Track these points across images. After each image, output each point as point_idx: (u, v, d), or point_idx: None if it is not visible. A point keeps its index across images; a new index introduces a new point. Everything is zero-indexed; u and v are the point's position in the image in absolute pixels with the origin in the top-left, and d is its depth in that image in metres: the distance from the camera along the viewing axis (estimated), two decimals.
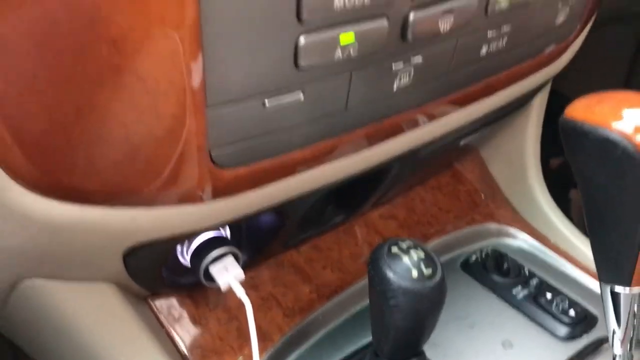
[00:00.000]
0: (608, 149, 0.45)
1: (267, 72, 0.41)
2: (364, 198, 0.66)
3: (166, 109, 0.39)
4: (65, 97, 0.35)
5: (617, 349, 0.54)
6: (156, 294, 0.60)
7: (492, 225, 0.80)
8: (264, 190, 0.47)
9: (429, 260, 0.53)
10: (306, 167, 0.49)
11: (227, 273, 0.54)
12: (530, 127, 0.81)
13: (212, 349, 0.60)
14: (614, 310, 0.52)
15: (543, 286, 0.72)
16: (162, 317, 0.60)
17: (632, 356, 0.54)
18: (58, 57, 0.34)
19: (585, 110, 0.48)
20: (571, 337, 0.67)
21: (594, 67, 1.19)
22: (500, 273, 0.74)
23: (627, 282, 0.50)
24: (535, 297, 0.70)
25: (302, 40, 0.40)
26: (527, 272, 0.74)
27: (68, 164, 0.39)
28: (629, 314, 0.52)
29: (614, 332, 0.53)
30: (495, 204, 0.82)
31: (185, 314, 0.61)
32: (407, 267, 0.52)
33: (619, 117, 0.46)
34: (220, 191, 0.44)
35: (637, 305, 0.51)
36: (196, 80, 0.38)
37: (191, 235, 0.55)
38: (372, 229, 0.73)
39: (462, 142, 0.69)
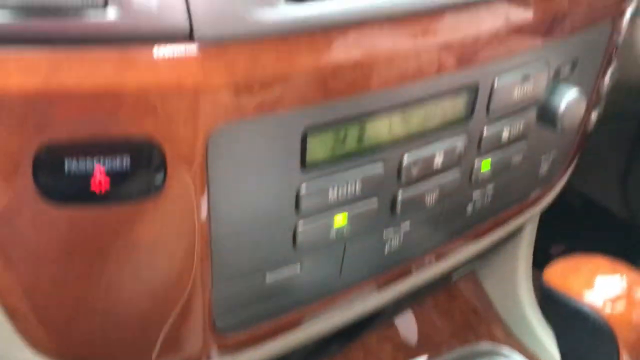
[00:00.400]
0: (581, 318, 0.49)
1: (268, 252, 0.45)
2: (360, 329, 0.70)
3: (178, 292, 0.43)
4: (87, 292, 0.40)
5: None
6: None
7: (485, 345, 0.83)
8: (264, 346, 0.51)
9: None
10: (303, 324, 0.53)
11: None
12: (522, 248, 0.85)
13: None
14: None
15: None
16: None
17: None
18: (83, 261, 0.39)
19: (562, 278, 0.52)
20: None
21: (591, 162, 1.24)
22: None
23: None
24: None
25: (300, 225, 0.45)
26: None
27: (85, 342, 0.43)
28: None
29: None
30: (488, 322, 0.85)
31: None
32: None
33: (590, 288, 0.50)
34: (222, 353, 0.48)
35: None
36: (205, 264, 0.42)
37: None
38: (369, 352, 0.76)
39: (454, 276, 0.73)
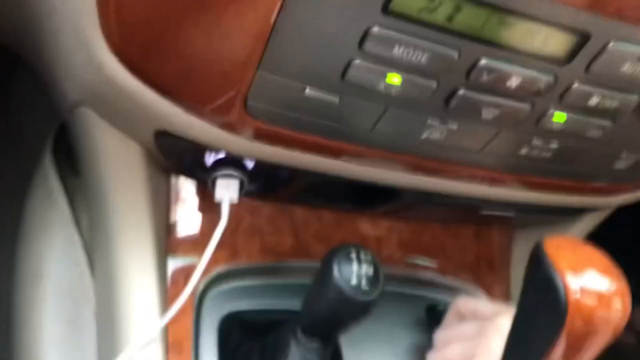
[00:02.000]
0: (550, 289, 0.50)
1: (317, 69, 0.48)
2: (373, 204, 0.73)
3: (234, 46, 0.47)
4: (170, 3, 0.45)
5: None
6: (179, 173, 0.72)
7: (479, 292, 0.85)
8: (277, 152, 0.56)
9: (373, 280, 0.60)
10: (320, 155, 0.57)
11: (226, 191, 0.64)
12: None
13: (191, 239, 0.71)
14: None
15: None
16: (171, 193, 0.72)
17: None
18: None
19: (556, 248, 0.52)
20: None
21: None
22: None
23: None
24: None
25: (355, 60, 0.47)
26: None
27: (151, 52, 0.49)
28: None
29: None
30: (495, 279, 0.86)
31: (191, 200, 0.72)
32: (350, 273, 0.59)
33: (575, 271, 0.50)
34: (240, 131, 0.54)
35: None
36: (258, 45, 0.46)
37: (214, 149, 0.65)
38: (374, 232, 0.80)
39: (482, 212, 0.73)
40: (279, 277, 0.75)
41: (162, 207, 0.70)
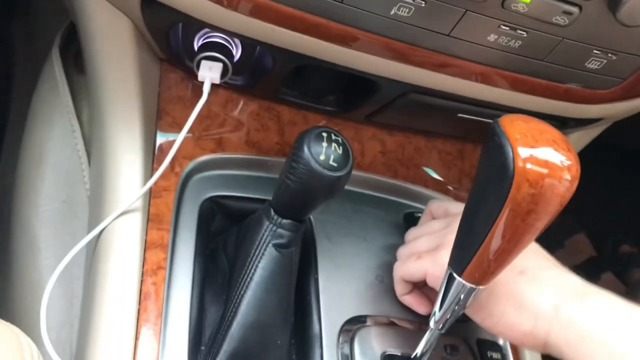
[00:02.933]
0: (499, 155, 0.52)
1: None
2: (356, 102, 0.75)
3: None
4: None
5: (432, 323, 0.63)
6: (167, 59, 0.75)
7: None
8: (263, 25, 0.59)
9: (341, 159, 0.63)
10: (303, 32, 0.60)
11: (209, 72, 0.67)
12: None
13: (179, 121, 0.75)
14: (444, 293, 0.61)
15: None
16: (162, 80, 0.76)
17: (439, 334, 0.63)
18: None
19: (512, 120, 0.54)
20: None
21: None
22: None
23: (460, 274, 0.58)
24: None
25: None
26: None
27: None
28: (453, 298, 0.60)
29: (435, 311, 0.62)
30: None
31: (180, 86, 0.76)
32: (320, 150, 0.62)
33: (527, 141, 0.52)
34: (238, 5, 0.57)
35: (462, 297, 0.59)
36: None
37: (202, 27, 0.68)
38: (358, 139, 0.83)
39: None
40: (261, 171, 0.79)
41: (152, 90, 0.74)
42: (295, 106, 0.80)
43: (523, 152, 0.51)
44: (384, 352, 0.68)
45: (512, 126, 0.53)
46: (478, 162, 0.56)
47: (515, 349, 0.76)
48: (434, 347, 0.65)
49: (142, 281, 0.65)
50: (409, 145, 0.86)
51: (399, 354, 0.68)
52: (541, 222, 0.53)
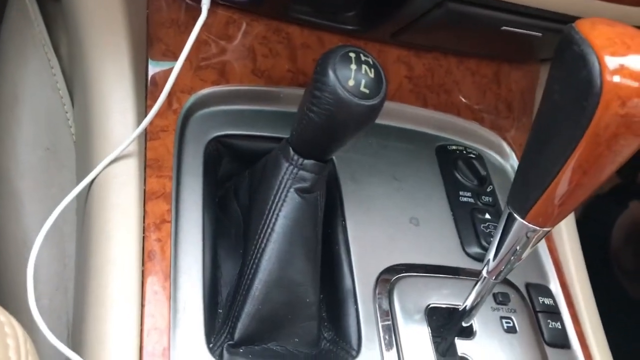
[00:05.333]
0: (578, 64, 0.42)
1: None
2: (379, 16, 0.64)
3: None
4: None
5: (485, 271, 0.54)
6: None
7: (496, 138, 0.77)
8: None
9: (374, 84, 0.52)
10: None
11: None
12: None
13: (169, 49, 0.64)
14: (501, 236, 0.52)
15: (491, 208, 0.71)
16: (150, 2, 0.64)
17: (494, 284, 0.54)
18: None
19: (592, 27, 0.43)
20: (474, 257, 0.66)
21: None
22: (464, 173, 0.72)
23: (524, 215, 0.49)
24: (475, 210, 0.69)
25: None
26: (488, 189, 0.72)
27: None
28: (514, 243, 0.51)
29: (490, 257, 0.53)
30: (515, 123, 0.78)
31: (168, 13, 0.64)
32: (348, 74, 0.51)
33: (615, 51, 0.42)
34: None
35: (524, 242, 0.50)
36: None
37: None
38: (380, 61, 0.71)
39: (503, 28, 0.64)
40: (272, 104, 0.68)
41: (139, 12, 0.62)
42: (308, 26, 0.68)
43: (612, 62, 0.40)
44: (428, 305, 0.60)
45: (594, 31, 0.42)
46: (548, 79, 0.46)
47: (567, 294, 0.68)
48: (486, 298, 0.56)
49: (144, 238, 0.55)
50: (439, 69, 0.75)
51: (445, 306, 0.60)
52: (630, 149, 0.44)
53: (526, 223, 0.49)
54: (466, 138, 0.75)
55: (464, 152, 0.74)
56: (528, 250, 0.51)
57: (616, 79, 0.40)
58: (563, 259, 0.70)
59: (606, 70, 0.40)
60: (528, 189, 0.48)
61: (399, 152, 0.71)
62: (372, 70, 0.53)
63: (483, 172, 0.72)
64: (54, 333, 0.59)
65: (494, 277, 0.54)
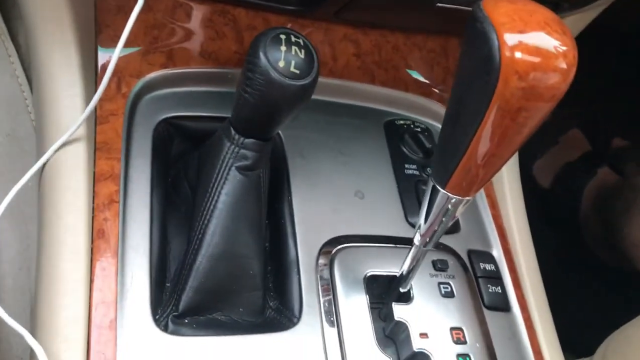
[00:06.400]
0: (481, 41, 0.44)
1: None
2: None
3: None
4: None
5: (417, 240, 0.57)
6: None
7: (443, 109, 0.79)
8: None
9: (304, 64, 0.55)
10: None
11: None
12: None
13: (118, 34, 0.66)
14: (428, 207, 0.54)
15: None
16: None
17: (425, 251, 0.57)
18: None
19: (494, 2, 0.46)
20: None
21: None
22: (410, 146, 0.75)
23: (444, 185, 0.52)
24: (419, 182, 0.72)
25: None
26: None
27: None
28: (438, 213, 0.54)
29: (419, 226, 0.56)
30: None
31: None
32: (278, 55, 0.54)
33: (513, 26, 0.44)
34: None
35: (449, 210, 0.53)
36: None
37: None
38: (328, 41, 0.74)
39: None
40: (220, 85, 0.70)
41: (86, 1, 0.64)
42: (253, 7, 0.71)
43: (510, 38, 0.43)
44: (366, 273, 0.63)
45: (496, 9, 0.44)
46: (459, 55, 0.48)
47: (510, 260, 0.71)
48: (421, 263, 0.59)
49: (93, 217, 0.58)
50: (386, 45, 0.77)
51: (383, 274, 0.63)
52: (534, 120, 0.46)
53: (448, 193, 0.52)
54: (414, 112, 0.78)
55: (412, 126, 0.76)
56: (452, 220, 0.54)
57: (513, 54, 0.42)
58: (507, 226, 0.73)
59: (504, 47, 0.43)
60: (446, 161, 0.51)
61: (347, 128, 0.74)
62: (303, 51, 0.55)
63: (429, 145, 0.74)
64: (18, 310, 0.62)
65: (424, 245, 0.57)
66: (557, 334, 0.71)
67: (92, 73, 0.65)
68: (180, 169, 0.68)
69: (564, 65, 0.43)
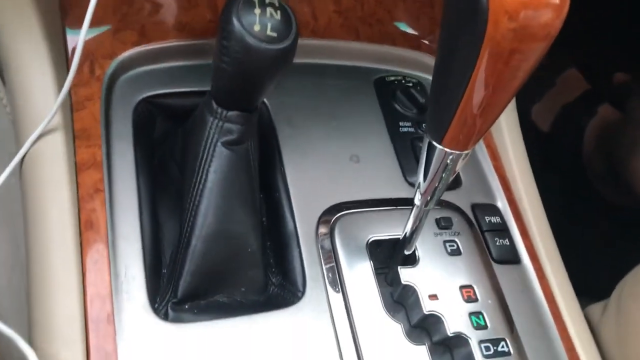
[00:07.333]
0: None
1: None
2: None
3: None
4: None
5: (417, 200, 0.54)
6: None
7: (433, 60, 0.76)
8: None
9: (281, 26, 0.51)
10: None
11: None
12: None
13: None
14: (425, 165, 0.52)
15: None
16: None
17: (427, 211, 0.55)
18: None
19: None
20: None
21: None
22: (403, 103, 0.72)
23: (440, 140, 0.49)
24: (415, 139, 0.69)
25: None
26: None
27: None
28: (437, 170, 0.51)
29: (419, 185, 0.54)
30: None
31: None
32: (253, 19, 0.50)
33: None
34: None
35: (448, 166, 0.51)
36: None
37: None
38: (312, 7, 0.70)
39: None
40: (198, 58, 0.67)
41: None
42: None
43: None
44: (369, 239, 0.61)
45: None
46: (443, 3, 0.45)
47: (515, 210, 0.69)
48: (424, 223, 0.57)
49: (79, 209, 0.56)
50: None
51: (386, 238, 0.61)
52: (528, 63, 0.43)
53: (445, 149, 0.49)
54: (404, 66, 0.75)
55: (403, 81, 0.73)
56: (452, 175, 0.52)
57: None
58: (510, 176, 0.71)
59: None
60: (440, 115, 0.48)
61: (336, 90, 0.70)
62: (278, 12, 0.52)
63: (422, 100, 0.71)
64: (15, 311, 0.60)
65: (425, 205, 0.54)
66: (570, 280, 0.69)
67: (62, 58, 0.62)
68: (165, 150, 0.65)
69: (556, 0, 0.40)
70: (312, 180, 0.63)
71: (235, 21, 0.50)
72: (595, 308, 0.75)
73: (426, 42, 0.76)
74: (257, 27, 0.50)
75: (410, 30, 0.75)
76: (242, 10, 0.51)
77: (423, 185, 0.53)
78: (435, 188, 0.53)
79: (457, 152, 0.49)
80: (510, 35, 0.40)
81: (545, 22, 0.40)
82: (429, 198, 0.54)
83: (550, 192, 0.80)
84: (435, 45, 0.76)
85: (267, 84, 0.54)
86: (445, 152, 0.49)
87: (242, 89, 0.55)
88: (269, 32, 0.51)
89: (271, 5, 0.52)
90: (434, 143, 0.50)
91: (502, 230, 0.66)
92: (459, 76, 0.44)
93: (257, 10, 0.51)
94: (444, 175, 0.52)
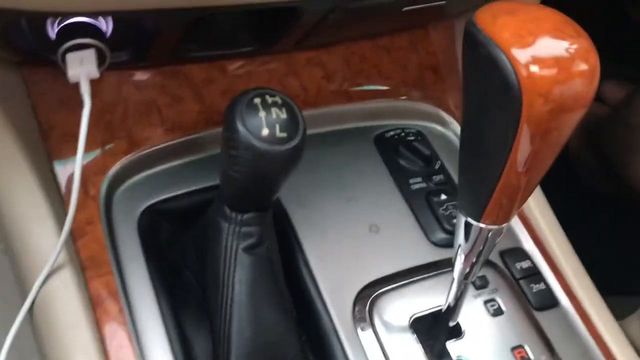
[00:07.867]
0: (495, 68, 0.38)
1: None
2: (281, 31, 0.59)
3: None
4: None
5: (456, 274, 0.52)
6: (28, 64, 0.57)
7: (431, 109, 0.74)
8: None
9: (290, 123, 0.49)
10: None
11: (81, 66, 0.50)
12: None
13: (72, 136, 0.58)
14: (464, 240, 0.49)
15: (444, 186, 0.68)
16: (30, 88, 0.58)
17: (468, 284, 0.52)
18: None
19: (493, 19, 0.40)
20: (442, 245, 0.64)
21: None
22: (408, 158, 0.69)
23: (478, 219, 0.47)
24: (429, 194, 0.67)
25: None
26: (437, 166, 0.70)
27: None
28: (475, 245, 0.49)
29: (456, 258, 0.51)
30: (444, 86, 0.75)
31: (54, 93, 0.58)
32: (259, 123, 0.47)
33: (521, 40, 0.39)
34: None
35: (487, 242, 0.48)
36: None
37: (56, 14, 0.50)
38: (292, 71, 0.67)
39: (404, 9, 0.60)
40: (193, 154, 0.63)
41: (19, 104, 0.57)
42: (205, 60, 0.64)
43: (522, 56, 0.37)
44: (412, 317, 0.58)
45: (496, 26, 0.39)
46: (464, 81, 0.42)
47: (542, 248, 0.67)
48: (465, 296, 0.54)
49: (105, 352, 0.52)
50: (353, 57, 0.70)
51: (428, 312, 0.58)
52: (566, 135, 0.41)
53: (483, 226, 0.47)
54: (401, 118, 0.72)
55: (402, 134, 0.71)
56: (492, 248, 0.49)
57: (532, 72, 0.37)
58: (529, 214, 0.69)
59: (519, 67, 0.37)
60: (476, 195, 0.46)
61: (339, 157, 0.68)
62: (284, 109, 0.49)
63: (427, 152, 0.69)
64: None
65: (465, 278, 0.52)
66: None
67: (50, 182, 0.58)
68: (176, 257, 0.61)
69: (585, 67, 0.38)
70: (336, 263, 0.60)
71: (241, 129, 0.47)
72: (632, 322, 0.74)
73: (417, 90, 0.74)
74: (265, 132, 0.47)
75: (400, 81, 0.73)
76: (246, 115, 0.48)
77: (463, 261, 0.51)
78: (474, 263, 0.51)
79: (497, 226, 0.47)
80: (546, 116, 0.38)
81: (580, 92, 0.38)
82: (467, 270, 0.52)
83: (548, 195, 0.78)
84: (427, 92, 0.74)
85: (283, 181, 0.51)
86: (483, 228, 0.47)
87: (258, 191, 0.51)
88: (278, 135, 0.48)
89: (275, 104, 0.49)
90: (471, 221, 0.47)
91: (535, 273, 0.64)
92: (494, 159, 0.42)
93: (262, 113, 0.48)
94: (483, 249, 0.49)
